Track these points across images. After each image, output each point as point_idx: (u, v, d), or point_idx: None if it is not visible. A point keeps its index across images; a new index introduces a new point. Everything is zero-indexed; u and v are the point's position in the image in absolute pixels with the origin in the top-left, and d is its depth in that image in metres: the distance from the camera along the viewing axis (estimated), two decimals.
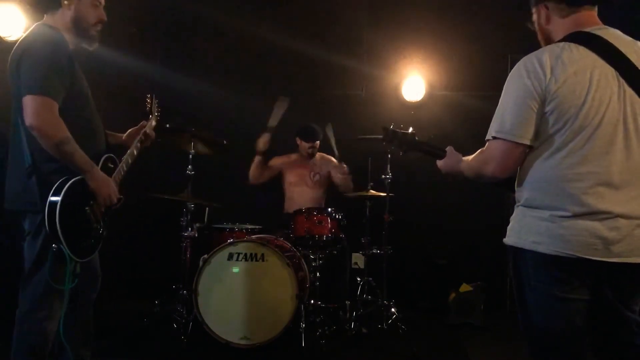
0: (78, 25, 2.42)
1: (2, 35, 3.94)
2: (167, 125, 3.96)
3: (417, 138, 2.25)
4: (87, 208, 2.33)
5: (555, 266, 1.74)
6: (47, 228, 2.18)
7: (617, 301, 1.78)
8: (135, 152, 2.66)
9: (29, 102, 2.17)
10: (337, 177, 4.74)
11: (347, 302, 4.26)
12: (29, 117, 2.17)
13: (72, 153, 2.23)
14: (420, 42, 5.24)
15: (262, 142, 4.61)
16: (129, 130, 2.78)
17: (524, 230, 1.82)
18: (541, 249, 1.75)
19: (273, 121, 4.56)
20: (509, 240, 1.87)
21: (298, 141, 4.80)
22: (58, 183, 2.22)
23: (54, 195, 2.20)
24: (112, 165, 2.51)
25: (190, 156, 4.06)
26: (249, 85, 5.30)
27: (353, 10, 5.28)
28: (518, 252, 1.83)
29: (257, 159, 4.70)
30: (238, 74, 5.36)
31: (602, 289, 1.77)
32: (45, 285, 2.28)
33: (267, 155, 4.75)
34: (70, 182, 2.23)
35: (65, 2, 2.38)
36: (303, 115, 5.05)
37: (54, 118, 2.20)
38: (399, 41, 5.26)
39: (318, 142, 4.77)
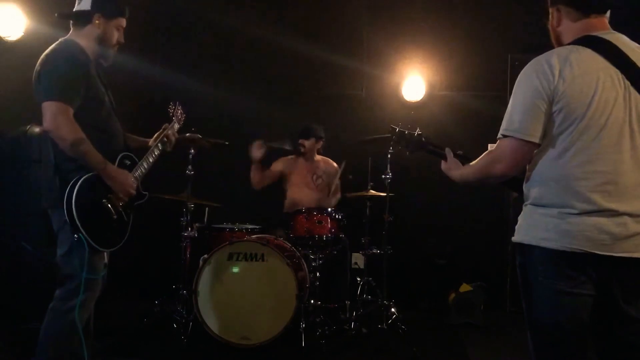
0: (101, 44, 2.67)
1: (2, 35, 3.95)
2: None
3: (424, 139, 2.26)
4: (104, 200, 2.50)
5: (563, 261, 1.78)
6: (67, 218, 2.38)
7: (621, 299, 1.80)
8: (156, 152, 2.88)
9: (46, 107, 2.40)
10: (331, 194, 4.77)
11: (347, 302, 4.26)
12: (46, 121, 2.40)
13: (86, 152, 2.43)
14: (420, 42, 5.24)
15: (255, 149, 4.53)
16: (155, 135, 2.99)
17: (532, 227, 1.86)
18: (549, 244, 1.79)
19: (272, 144, 4.54)
20: (517, 237, 1.91)
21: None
22: (74, 179, 2.42)
23: (70, 190, 2.40)
24: (129, 162, 2.70)
25: (190, 156, 4.07)
26: (249, 85, 5.30)
27: (353, 10, 5.28)
28: (526, 249, 1.87)
29: (253, 166, 4.63)
30: (238, 73, 5.37)
31: (608, 285, 1.80)
32: (78, 277, 2.44)
33: (265, 160, 4.68)
34: (83, 177, 2.42)
35: (97, 21, 2.62)
36: (303, 115, 5.06)
37: (69, 121, 2.40)
38: (399, 41, 5.26)
39: (310, 141, 4.71)
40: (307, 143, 4.72)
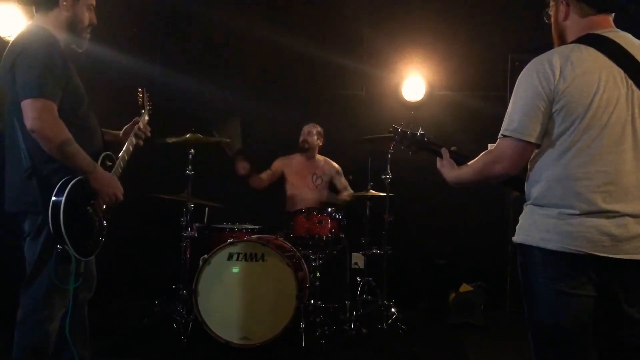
0: (72, 27, 2.43)
1: (2, 35, 3.95)
2: (168, 140, 4.00)
3: (426, 139, 2.25)
4: (88, 207, 2.33)
5: (563, 262, 1.77)
6: (51, 229, 2.18)
7: (624, 301, 1.80)
8: (131, 149, 2.65)
9: (29, 106, 2.17)
10: (339, 187, 4.82)
11: (347, 302, 4.26)
12: (29, 121, 2.16)
13: (75, 154, 2.23)
14: (420, 42, 5.24)
15: (241, 168, 4.52)
16: (125, 127, 2.77)
17: (532, 227, 1.85)
18: (550, 245, 1.78)
19: (235, 143, 4.42)
20: (517, 238, 1.91)
21: None
22: (60, 183, 2.22)
23: (56, 195, 2.19)
24: (110, 163, 2.51)
25: (190, 156, 4.07)
26: (249, 84, 5.30)
27: (353, 10, 5.28)
28: (526, 250, 1.86)
29: (248, 179, 4.63)
30: (238, 73, 5.36)
31: (610, 287, 1.79)
32: (48, 285, 2.28)
33: (256, 170, 4.67)
34: (72, 182, 2.24)
35: (64, 2, 2.38)
36: (303, 115, 5.06)
37: (55, 120, 2.19)
38: (399, 41, 5.26)
39: (309, 125, 4.76)
40: (306, 128, 4.74)
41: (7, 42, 3.70)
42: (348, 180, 4.94)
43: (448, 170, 2.11)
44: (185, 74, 5.14)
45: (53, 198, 2.19)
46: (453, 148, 2.17)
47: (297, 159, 4.84)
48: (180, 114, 5.05)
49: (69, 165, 2.25)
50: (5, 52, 2.32)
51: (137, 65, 4.70)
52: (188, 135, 4.03)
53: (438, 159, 2.16)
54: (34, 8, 2.43)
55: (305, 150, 4.76)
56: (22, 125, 2.22)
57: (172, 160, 4.54)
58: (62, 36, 2.40)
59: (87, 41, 2.51)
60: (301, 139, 4.76)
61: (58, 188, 2.21)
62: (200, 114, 5.10)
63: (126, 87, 4.71)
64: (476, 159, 1.99)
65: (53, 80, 2.23)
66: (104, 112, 2.61)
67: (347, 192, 4.78)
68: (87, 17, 2.46)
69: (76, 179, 2.26)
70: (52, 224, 2.18)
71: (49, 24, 2.38)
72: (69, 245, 2.20)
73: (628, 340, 1.84)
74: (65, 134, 2.21)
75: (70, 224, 2.21)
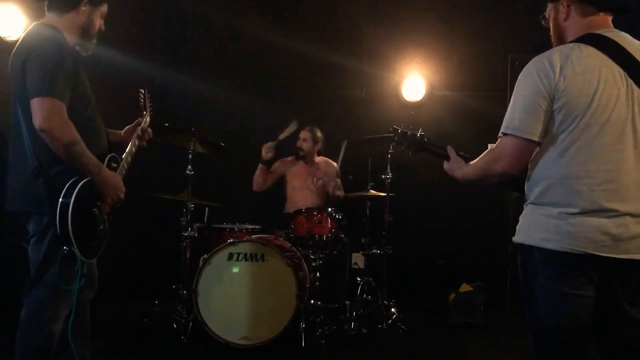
0: (85, 32, 2.45)
1: (2, 35, 3.95)
2: (166, 124, 3.98)
3: (426, 139, 2.25)
4: (94, 209, 2.33)
5: (563, 263, 1.77)
6: (59, 230, 2.18)
7: (624, 301, 1.80)
8: (134, 150, 2.65)
9: (38, 105, 2.16)
10: (331, 191, 4.78)
11: (347, 302, 4.26)
12: (38, 120, 2.16)
13: (81, 155, 2.23)
14: (420, 42, 5.25)
15: (266, 150, 4.57)
16: (127, 127, 2.76)
17: (532, 227, 1.85)
18: (550, 245, 1.78)
19: (281, 136, 4.54)
20: (517, 238, 1.90)
21: None
22: (68, 184, 2.22)
23: (65, 197, 2.19)
24: (115, 165, 2.52)
25: (190, 156, 4.06)
26: (249, 85, 5.30)
27: (353, 10, 5.28)
28: (526, 250, 1.86)
29: (260, 167, 4.66)
30: (238, 73, 5.37)
31: (610, 287, 1.79)
32: (53, 286, 2.28)
33: (271, 162, 4.71)
34: (80, 183, 2.24)
35: (83, 8, 2.41)
36: (303, 115, 5.06)
37: (64, 120, 2.19)
38: (399, 41, 5.27)
39: (305, 131, 4.74)
40: (302, 134, 4.72)
41: (7, 42, 3.71)
42: (348, 179, 4.94)
43: (456, 167, 2.10)
44: (185, 74, 5.14)
45: (61, 199, 2.19)
46: (461, 153, 2.15)
47: (297, 161, 4.83)
48: (180, 114, 5.05)
49: (75, 166, 2.25)
50: (15, 50, 2.32)
51: (137, 65, 4.70)
52: (188, 135, 4.04)
53: (445, 161, 2.14)
54: (46, 7, 2.42)
55: (301, 157, 4.75)
56: (29, 124, 2.22)
57: (172, 160, 4.54)
58: (71, 38, 2.41)
59: (94, 45, 2.53)
60: (296, 144, 4.75)
61: (66, 189, 2.20)
62: (200, 114, 5.11)
63: (126, 87, 4.71)
64: (479, 157, 1.99)
65: (63, 80, 2.23)
66: (103, 112, 2.61)
67: (339, 192, 4.77)
68: (99, 24, 2.50)
69: (84, 180, 2.26)
70: (59, 226, 2.18)
71: (62, 25, 2.38)
72: (75, 246, 2.20)
73: (629, 340, 1.83)
74: (73, 134, 2.21)
75: (77, 226, 2.20)
